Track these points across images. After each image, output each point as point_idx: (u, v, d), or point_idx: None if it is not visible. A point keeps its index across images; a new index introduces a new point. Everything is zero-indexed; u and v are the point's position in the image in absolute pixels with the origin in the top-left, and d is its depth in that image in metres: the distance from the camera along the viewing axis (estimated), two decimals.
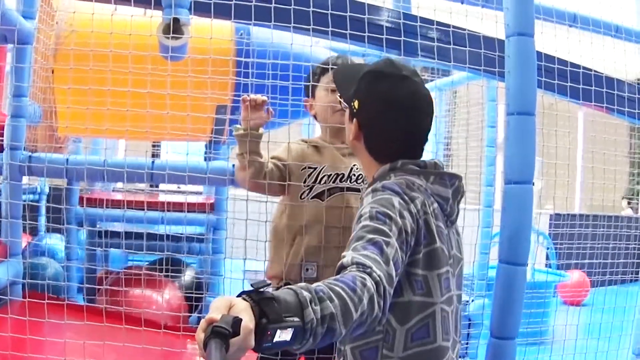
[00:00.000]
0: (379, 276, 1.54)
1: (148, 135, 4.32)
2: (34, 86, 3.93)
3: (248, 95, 2.54)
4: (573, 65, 2.98)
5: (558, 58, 2.92)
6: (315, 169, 2.60)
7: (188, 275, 5.92)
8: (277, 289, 1.48)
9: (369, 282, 1.51)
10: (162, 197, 5.67)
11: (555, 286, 7.12)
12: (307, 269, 2.52)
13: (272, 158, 2.62)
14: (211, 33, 3.17)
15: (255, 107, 2.54)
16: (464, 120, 6.80)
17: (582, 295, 7.57)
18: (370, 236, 1.67)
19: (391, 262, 1.63)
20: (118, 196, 5.79)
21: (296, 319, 1.35)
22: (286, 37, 3.09)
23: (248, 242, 3.01)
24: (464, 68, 2.95)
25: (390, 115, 1.95)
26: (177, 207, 5.05)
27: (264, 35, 3.87)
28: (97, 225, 5.60)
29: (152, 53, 3.21)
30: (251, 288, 1.36)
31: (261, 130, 2.58)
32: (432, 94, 6.21)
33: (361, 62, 2.78)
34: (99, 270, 5.81)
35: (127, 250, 5.99)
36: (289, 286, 1.43)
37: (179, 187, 6.64)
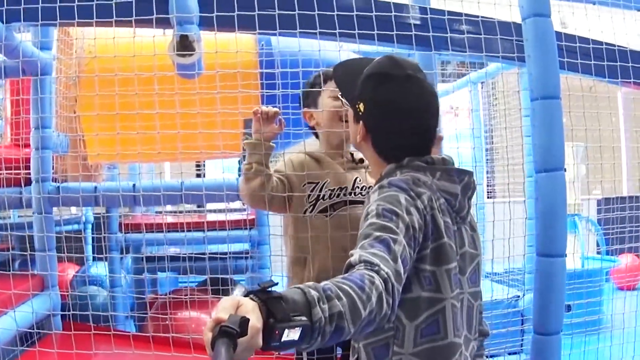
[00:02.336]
0: (387, 274, 1.54)
1: (178, 156, 4.30)
2: (59, 116, 3.93)
3: (259, 108, 2.48)
4: (595, 42, 2.84)
5: (579, 36, 2.78)
6: (317, 184, 2.51)
7: (237, 293, 5.89)
8: None
9: (377, 280, 1.50)
10: (210, 217, 5.62)
11: (607, 272, 6.94)
12: None
13: (275, 171, 2.55)
14: (217, 47, 3.09)
15: (267, 120, 2.49)
16: (503, 111, 6.68)
17: (636, 279, 7.41)
18: (377, 234, 1.66)
19: (399, 259, 1.62)
20: (168, 219, 5.76)
21: (304, 318, 1.34)
22: (306, 43, 3.03)
23: None
24: (480, 57, 2.84)
25: (398, 118, 1.93)
26: (220, 225, 5.03)
27: (286, 43, 3.82)
28: (141, 250, 5.61)
29: (173, 73, 3.17)
30: (258, 288, 1.37)
31: (272, 143, 2.53)
32: (467, 89, 6.12)
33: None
34: (147, 296, 5.84)
35: (170, 274, 6.01)
36: (296, 285, 1.42)
37: (227, 205, 6.61)
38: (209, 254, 4.94)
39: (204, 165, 8.27)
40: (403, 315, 1.82)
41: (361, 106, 1.97)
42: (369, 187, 2.47)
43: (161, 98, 3.38)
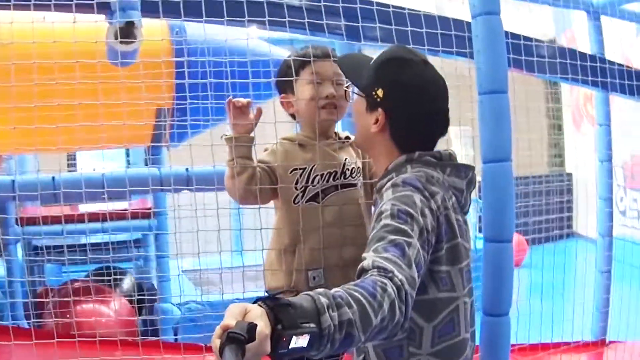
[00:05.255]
0: (400, 280, 1.52)
1: (82, 145, 4.10)
2: None
3: (231, 99, 2.37)
4: (537, 40, 2.95)
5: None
6: (304, 169, 2.45)
7: (127, 281, 5.83)
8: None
9: (390, 288, 1.49)
10: (83, 208, 5.37)
11: None
12: (313, 277, 2.41)
13: (258, 162, 2.47)
14: (153, 35, 3.04)
15: (242, 111, 2.39)
16: None
17: (520, 256, 7.77)
18: (392, 237, 1.64)
19: (413, 264, 1.61)
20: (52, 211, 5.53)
21: (312, 325, 1.35)
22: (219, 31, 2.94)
23: (192, 238, 2.97)
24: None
25: (420, 101, 1.93)
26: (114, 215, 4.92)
27: (199, 31, 3.75)
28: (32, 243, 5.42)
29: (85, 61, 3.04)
30: (267, 295, 1.37)
31: (252, 134, 2.43)
32: None
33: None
34: (38, 288, 5.65)
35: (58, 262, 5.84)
36: (307, 292, 1.41)
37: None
38: (93, 244, 4.86)
39: (75, 156, 7.84)
40: (419, 317, 1.81)
41: (380, 92, 1.95)
42: (359, 168, 2.47)
43: (69, 86, 3.21)
